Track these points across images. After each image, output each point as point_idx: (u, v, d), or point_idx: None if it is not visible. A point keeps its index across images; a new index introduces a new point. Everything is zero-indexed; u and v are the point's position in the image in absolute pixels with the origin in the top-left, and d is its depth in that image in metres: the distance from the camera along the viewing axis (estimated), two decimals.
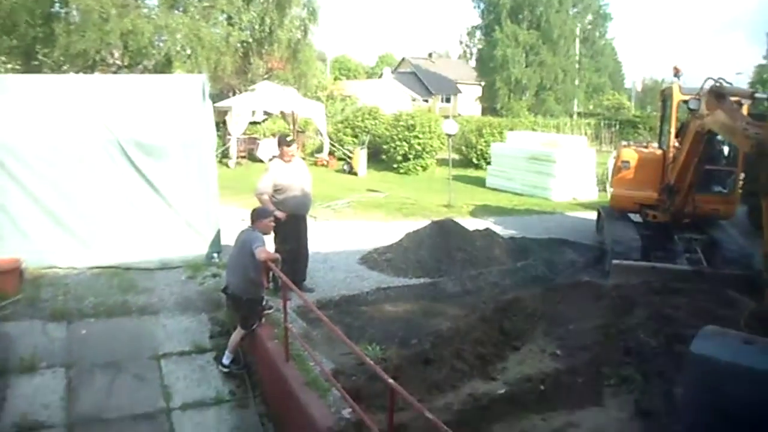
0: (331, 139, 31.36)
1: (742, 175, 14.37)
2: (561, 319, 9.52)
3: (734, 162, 13.92)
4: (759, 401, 5.18)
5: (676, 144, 13.29)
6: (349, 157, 29.36)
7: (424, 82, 75.35)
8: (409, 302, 11.29)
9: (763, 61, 72.46)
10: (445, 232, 13.85)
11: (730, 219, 14.38)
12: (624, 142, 17.51)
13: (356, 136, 31.58)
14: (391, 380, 5.27)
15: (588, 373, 8.12)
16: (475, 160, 30.75)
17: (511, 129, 31.52)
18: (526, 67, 59.54)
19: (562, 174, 23.69)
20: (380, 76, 70.83)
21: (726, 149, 13.84)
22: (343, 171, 28.96)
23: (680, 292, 10.47)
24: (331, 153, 31.00)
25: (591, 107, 62.32)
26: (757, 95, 11.67)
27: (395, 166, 28.77)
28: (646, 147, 15.71)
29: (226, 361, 9.07)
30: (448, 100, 74.69)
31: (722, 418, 5.59)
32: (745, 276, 11.91)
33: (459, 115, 47.16)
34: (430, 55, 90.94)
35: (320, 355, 8.28)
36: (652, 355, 8.37)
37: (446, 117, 30.19)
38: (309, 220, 11.45)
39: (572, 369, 8.17)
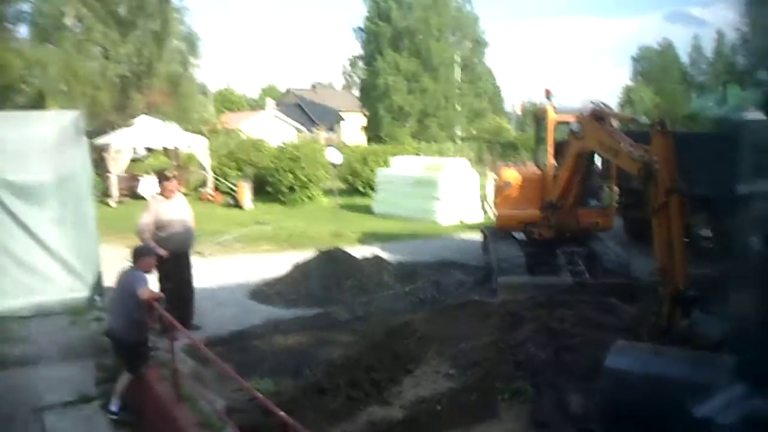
0: (215, 173, 30.77)
1: (616, 189, 15.05)
2: (452, 339, 9.59)
3: (608, 176, 14.58)
4: (667, 404, 5.39)
5: (554, 163, 13.81)
6: (234, 191, 28.89)
7: (309, 113, 75.39)
8: (300, 333, 11.11)
9: (630, 83, 77.69)
10: (333, 260, 13.83)
11: (608, 231, 14.96)
12: (502, 164, 18.04)
13: (240, 169, 31.12)
14: (282, 414, 5.12)
15: (482, 389, 8.21)
16: (361, 188, 30.88)
17: (395, 155, 31.87)
18: (409, 94, 60.34)
19: (447, 197, 24.02)
20: (264, 108, 70.41)
21: (600, 164, 14.44)
22: (228, 205, 28.44)
23: (565, 304, 10.79)
24: (216, 187, 30.42)
25: (473, 131, 63.83)
26: (636, 118, 12.32)
27: (281, 197, 28.53)
28: (524, 166, 16.23)
29: (114, 407, 8.55)
30: (332, 130, 75.02)
31: (636, 423, 5.97)
32: (624, 284, 12.49)
33: (344, 144, 47.40)
34: (313, 86, 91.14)
35: (212, 394, 7.99)
36: (542, 367, 8.56)
37: (330, 146, 30.30)
38: (196, 257, 11.13)
39: (466, 387, 8.24)
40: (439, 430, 7.42)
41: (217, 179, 30.46)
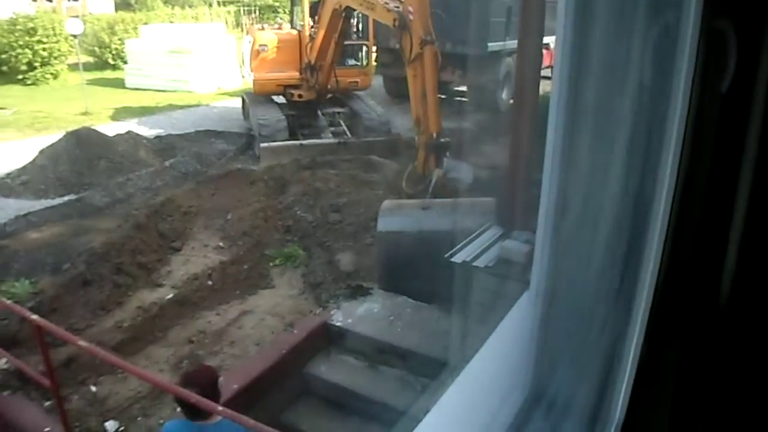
0: None
1: (374, 48, 15.11)
2: (218, 211, 9.34)
3: (366, 36, 14.58)
4: (436, 255, 5.56)
5: (311, 23, 13.51)
6: None
7: None
8: (55, 224, 10.20)
9: None
10: (83, 142, 12.69)
11: (366, 89, 15.10)
12: (258, 26, 17.35)
13: None
14: (34, 316, 4.62)
15: (253, 259, 8.14)
16: (111, 61, 28.47)
17: (147, 23, 29.62)
18: None
19: (203, 65, 22.97)
20: None
21: (357, 24, 14.37)
22: None
23: (329, 164, 10.85)
24: None
25: None
26: None
27: (20, 77, 25.59)
28: (279, 29, 15.77)
29: None
30: None
31: (410, 277, 6.36)
32: (385, 141, 12.78)
33: (90, 13, 43.23)
34: None
35: None
36: (311, 229, 8.61)
37: (72, 17, 27.43)
38: None
39: (237, 258, 8.13)
40: (213, 306, 7.28)
41: None
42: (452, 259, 5.41)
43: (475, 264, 5.24)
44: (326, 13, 12.02)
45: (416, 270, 6.16)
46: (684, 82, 1.32)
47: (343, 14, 11.76)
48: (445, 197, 7.88)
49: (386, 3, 9.46)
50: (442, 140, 8.48)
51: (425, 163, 8.51)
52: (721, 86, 1.47)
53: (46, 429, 4.99)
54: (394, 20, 8.97)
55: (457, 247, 5.59)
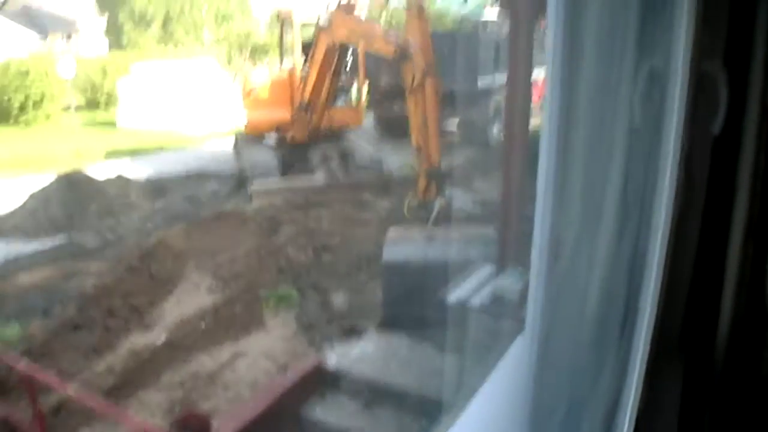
0: None
1: (365, 88, 15.23)
2: (210, 252, 9.28)
3: (357, 74, 14.69)
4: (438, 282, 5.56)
5: (302, 64, 13.65)
6: None
7: (38, 21, 67.85)
8: (46, 267, 10.12)
9: None
10: (74, 184, 12.69)
11: (358, 128, 15.17)
12: (247, 66, 17.48)
13: None
14: (23, 365, 4.58)
15: (246, 300, 8.07)
16: (103, 102, 28.67)
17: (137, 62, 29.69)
18: None
19: (197, 103, 23.01)
20: None
21: (347, 63, 14.49)
22: None
23: (320, 204, 10.86)
24: None
25: (222, 35, 61.56)
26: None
27: (13, 120, 25.65)
28: (271, 70, 15.89)
29: None
30: (70, 38, 68.32)
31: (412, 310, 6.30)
32: (377, 180, 12.81)
33: (81, 57, 43.37)
34: None
35: None
36: (304, 270, 8.59)
37: (64, 58, 27.51)
38: None
39: (230, 299, 8.05)
40: (206, 348, 7.19)
41: None
42: (447, 299, 5.40)
43: (469, 303, 5.22)
44: (319, 51, 12.10)
45: (421, 300, 6.12)
46: (676, 124, 1.33)
47: (338, 51, 11.88)
48: (448, 226, 7.93)
49: (385, 32, 9.60)
50: (443, 169, 8.55)
51: (426, 191, 8.55)
52: (713, 127, 1.48)
53: None
54: (395, 51, 9.07)
55: (452, 285, 5.57)
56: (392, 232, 7.65)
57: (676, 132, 1.34)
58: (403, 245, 7.16)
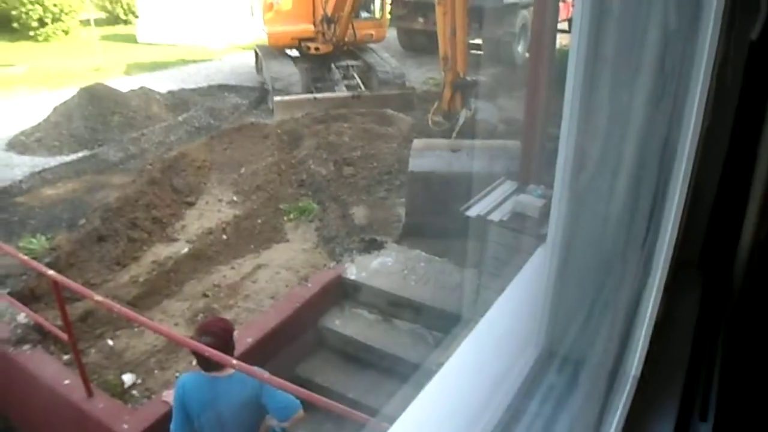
0: None
1: (389, 0, 14.92)
2: (232, 165, 9.31)
3: None
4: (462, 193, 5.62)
5: None
6: None
7: None
8: (70, 180, 10.21)
9: None
10: (96, 98, 12.65)
11: (381, 42, 14.93)
12: None
13: None
14: (51, 272, 4.65)
15: (267, 213, 8.13)
16: (122, 16, 28.32)
17: None
18: None
19: (216, 17, 22.68)
20: None
21: None
22: None
23: (342, 118, 10.78)
24: None
25: None
26: None
27: (32, 34, 25.43)
28: None
29: None
30: None
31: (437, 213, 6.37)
32: (400, 95, 12.67)
33: None
34: None
35: None
36: (325, 183, 8.58)
37: None
38: None
39: (251, 212, 8.11)
40: (227, 260, 7.29)
41: None
42: (467, 213, 5.39)
43: (489, 218, 5.21)
44: None
45: (444, 211, 6.12)
46: (711, 29, 1.26)
47: None
48: (473, 138, 7.89)
49: None
50: (469, 79, 8.42)
51: (451, 101, 8.45)
52: (750, 33, 1.41)
53: (66, 382, 5.06)
54: None
55: (472, 200, 5.56)
56: (418, 143, 7.63)
57: (712, 37, 1.27)
58: (429, 156, 7.17)
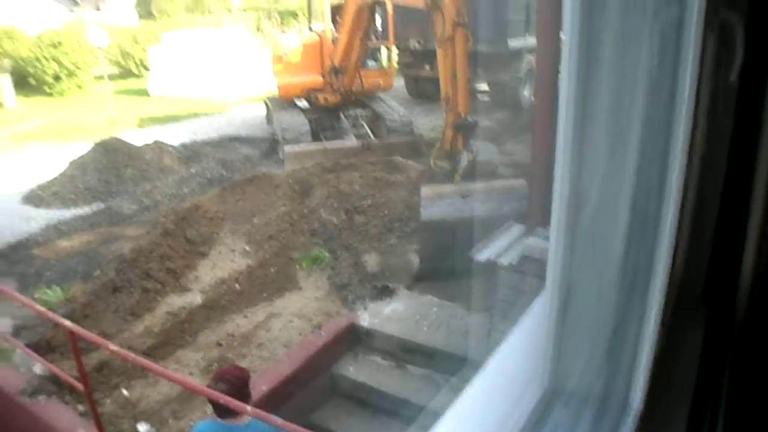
0: None
1: (395, 50, 15.19)
2: (244, 216, 9.41)
3: (386, 36, 14.68)
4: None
5: (332, 26, 13.66)
6: None
7: None
8: (85, 233, 10.36)
9: None
10: (110, 151, 12.90)
11: (389, 90, 15.17)
12: (276, 32, 17.50)
13: None
14: (67, 322, 4.72)
15: (279, 262, 8.20)
16: (135, 70, 28.85)
17: (168, 31, 29.84)
18: None
19: (226, 70, 23.10)
20: None
21: (378, 25, 14.46)
22: None
23: (352, 166, 10.90)
24: None
25: (250, 2, 61.26)
26: None
27: (47, 89, 25.95)
28: (301, 33, 15.92)
29: None
30: (98, 9, 68.52)
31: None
32: (408, 142, 12.82)
33: (112, 25, 43.54)
34: None
35: None
36: (336, 232, 8.66)
37: (94, 27, 27.69)
38: None
39: (264, 261, 8.18)
40: (240, 309, 7.34)
41: None
42: (476, 257, 5.45)
43: (498, 262, 5.27)
44: (349, 12, 12.12)
45: (457, 255, 6.18)
46: (690, 74, 1.34)
47: (368, 11, 11.89)
48: (476, 179, 8.03)
49: None
50: (470, 120, 8.55)
51: (453, 141, 8.57)
52: (729, 76, 1.49)
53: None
54: (426, 3, 9.01)
55: (481, 245, 5.62)
56: (426, 191, 7.74)
57: (691, 81, 1.35)
58: (440, 204, 7.29)
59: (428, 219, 7.27)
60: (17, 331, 6.81)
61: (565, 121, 1.35)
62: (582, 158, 1.38)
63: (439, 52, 8.57)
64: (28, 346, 6.03)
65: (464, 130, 8.52)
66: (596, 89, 1.35)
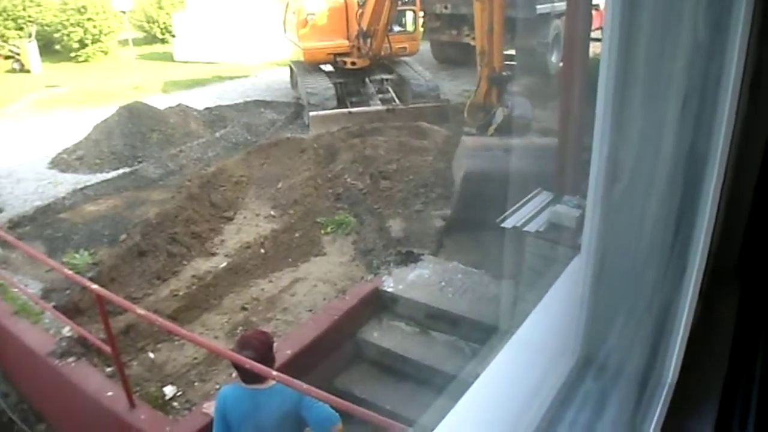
0: None
1: (421, 14, 14.99)
2: (269, 180, 9.41)
3: (413, 1, 14.49)
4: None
5: None
6: (17, 54, 25.91)
7: None
8: (111, 197, 10.42)
9: None
10: (135, 116, 12.88)
11: (414, 55, 15.00)
12: None
13: (21, 29, 27.83)
14: (95, 286, 4.77)
15: (304, 227, 8.19)
16: (159, 35, 28.81)
17: None
18: None
19: (250, 35, 23.00)
20: None
21: None
22: (14, 70, 25.56)
23: (378, 131, 10.83)
24: None
25: None
26: None
27: (73, 55, 26.01)
28: None
29: None
30: None
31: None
32: (434, 107, 12.69)
33: None
34: None
35: (26, 278, 7.36)
36: (361, 197, 8.63)
37: None
38: None
39: (288, 226, 8.19)
40: (265, 274, 7.37)
41: None
42: (503, 225, 5.39)
43: (525, 229, 5.21)
44: None
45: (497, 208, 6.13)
46: (740, 37, 1.27)
47: None
48: (510, 134, 7.97)
49: None
50: (504, 74, 8.46)
51: (487, 95, 8.49)
52: None
53: (109, 393, 5.15)
54: None
55: (508, 212, 5.56)
56: (467, 140, 7.70)
57: (740, 45, 1.28)
58: (482, 158, 7.24)
59: (472, 171, 7.18)
60: (46, 294, 6.87)
61: (605, 89, 1.28)
62: (620, 126, 1.32)
63: (476, 5, 8.45)
64: (56, 308, 6.12)
65: (499, 84, 8.44)
66: (637, 56, 1.29)
